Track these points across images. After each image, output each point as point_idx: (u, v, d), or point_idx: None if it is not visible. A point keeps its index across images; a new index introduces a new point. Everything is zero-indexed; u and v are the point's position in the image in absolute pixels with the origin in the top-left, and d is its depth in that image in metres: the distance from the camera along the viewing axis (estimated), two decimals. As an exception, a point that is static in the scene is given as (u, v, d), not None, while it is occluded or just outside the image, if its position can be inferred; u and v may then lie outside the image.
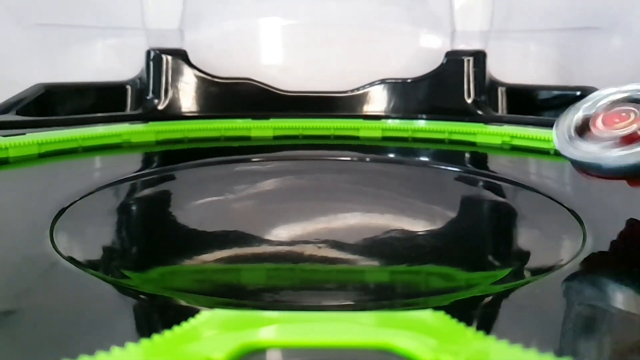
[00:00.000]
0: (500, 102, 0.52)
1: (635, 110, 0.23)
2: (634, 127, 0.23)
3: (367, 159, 0.42)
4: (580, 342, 0.16)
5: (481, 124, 0.47)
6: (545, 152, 0.41)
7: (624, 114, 0.23)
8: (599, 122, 0.24)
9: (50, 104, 0.49)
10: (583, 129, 0.24)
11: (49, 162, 0.38)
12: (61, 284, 0.20)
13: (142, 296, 0.19)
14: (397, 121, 0.50)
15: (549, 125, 0.43)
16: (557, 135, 0.25)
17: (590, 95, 0.26)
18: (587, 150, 0.23)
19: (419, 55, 0.56)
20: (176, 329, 0.14)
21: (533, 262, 0.23)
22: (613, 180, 0.24)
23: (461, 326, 0.15)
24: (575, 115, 0.25)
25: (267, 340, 0.14)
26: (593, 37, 0.56)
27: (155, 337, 0.14)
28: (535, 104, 0.52)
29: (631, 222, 0.26)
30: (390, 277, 0.23)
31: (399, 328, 0.14)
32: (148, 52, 0.52)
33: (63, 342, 0.16)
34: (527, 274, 0.22)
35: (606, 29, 0.56)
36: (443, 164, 0.40)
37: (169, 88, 0.51)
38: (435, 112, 0.50)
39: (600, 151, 0.23)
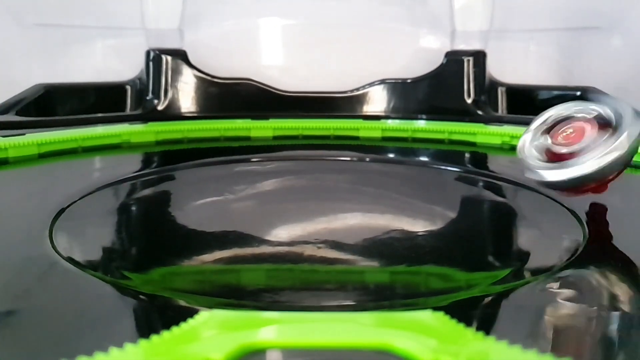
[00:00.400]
0: (500, 102, 0.52)
1: (584, 126, 0.24)
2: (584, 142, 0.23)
3: (367, 159, 0.42)
4: (580, 343, 0.16)
5: (481, 124, 0.47)
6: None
7: (572, 131, 0.24)
8: (555, 140, 0.24)
9: (50, 104, 0.49)
10: (542, 150, 0.25)
11: (49, 162, 0.38)
12: (60, 284, 0.20)
13: (141, 296, 0.19)
14: (397, 121, 0.50)
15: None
16: (524, 163, 0.25)
17: (541, 116, 0.26)
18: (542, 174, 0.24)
19: (419, 55, 0.56)
20: (175, 329, 0.14)
21: (533, 262, 0.23)
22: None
23: (461, 327, 0.15)
24: (531, 139, 0.25)
25: (266, 340, 0.14)
26: (593, 37, 0.56)
27: (154, 338, 0.14)
28: (535, 104, 0.52)
29: (594, 205, 0.26)
30: (389, 278, 0.23)
31: (399, 328, 0.14)
32: (148, 52, 0.52)
33: (62, 342, 0.16)
34: (527, 274, 0.22)
35: (606, 29, 0.56)
36: (443, 164, 0.40)
37: (169, 88, 0.51)
38: (435, 112, 0.50)
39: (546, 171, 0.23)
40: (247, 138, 0.48)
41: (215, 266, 0.23)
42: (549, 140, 0.24)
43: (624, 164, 0.22)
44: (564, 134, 0.24)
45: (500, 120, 0.47)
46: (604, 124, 0.23)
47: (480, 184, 0.35)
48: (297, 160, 0.42)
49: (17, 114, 0.43)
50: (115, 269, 0.22)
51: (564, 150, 0.24)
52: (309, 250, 0.24)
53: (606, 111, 0.23)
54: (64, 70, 0.55)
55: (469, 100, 0.51)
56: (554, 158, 0.24)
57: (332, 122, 0.49)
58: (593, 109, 0.24)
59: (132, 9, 0.53)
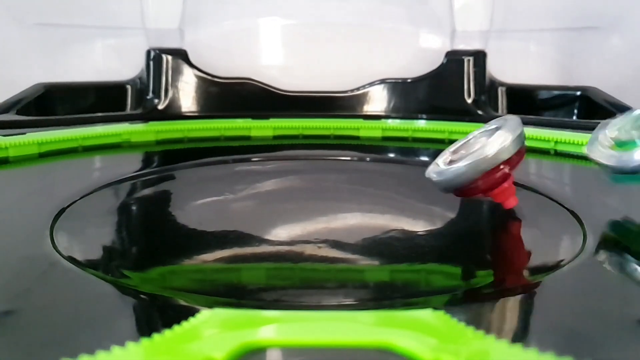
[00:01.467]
0: (500, 102, 0.52)
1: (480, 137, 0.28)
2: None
3: (367, 159, 0.42)
4: (580, 342, 0.16)
5: (481, 124, 0.47)
6: (545, 152, 0.41)
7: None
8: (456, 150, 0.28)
9: (50, 103, 0.49)
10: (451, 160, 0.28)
11: (49, 161, 0.38)
12: (61, 283, 0.20)
13: (142, 296, 0.19)
14: (397, 121, 0.50)
15: (549, 125, 0.43)
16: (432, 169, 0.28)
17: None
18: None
19: (419, 55, 0.56)
20: (176, 328, 0.14)
21: (533, 263, 0.23)
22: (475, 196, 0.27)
23: (461, 326, 0.15)
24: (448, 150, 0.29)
25: (267, 339, 0.14)
26: (593, 37, 0.56)
27: (156, 337, 0.14)
28: (535, 104, 0.52)
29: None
30: (390, 277, 0.23)
31: (399, 327, 0.14)
32: (148, 52, 0.52)
33: (63, 341, 0.16)
34: (527, 274, 0.22)
35: (606, 29, 0.56)
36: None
37: (169, 88, 0.51)
38: (435, 112, 0.50)
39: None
40: (247, 138, 0.48)
41: (216, 265, 0.23)
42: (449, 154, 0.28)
43: (494, 163, 0.25)
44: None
45: (500, 120, 0.47)
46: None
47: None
48: (297, 160, 0.42)
49: (17, 113, 0.43)
50: (115, 268, 0.22)
51: (455, 157, 0.27)
52: (309, 250, 0.24)
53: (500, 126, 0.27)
54: (64, 70, 0.55)
55: (469, 100, 0.51)
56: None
57: (332, 122, 0.49)
58: (491, 127, 0.28)
59: (132, 8, 0.53)
